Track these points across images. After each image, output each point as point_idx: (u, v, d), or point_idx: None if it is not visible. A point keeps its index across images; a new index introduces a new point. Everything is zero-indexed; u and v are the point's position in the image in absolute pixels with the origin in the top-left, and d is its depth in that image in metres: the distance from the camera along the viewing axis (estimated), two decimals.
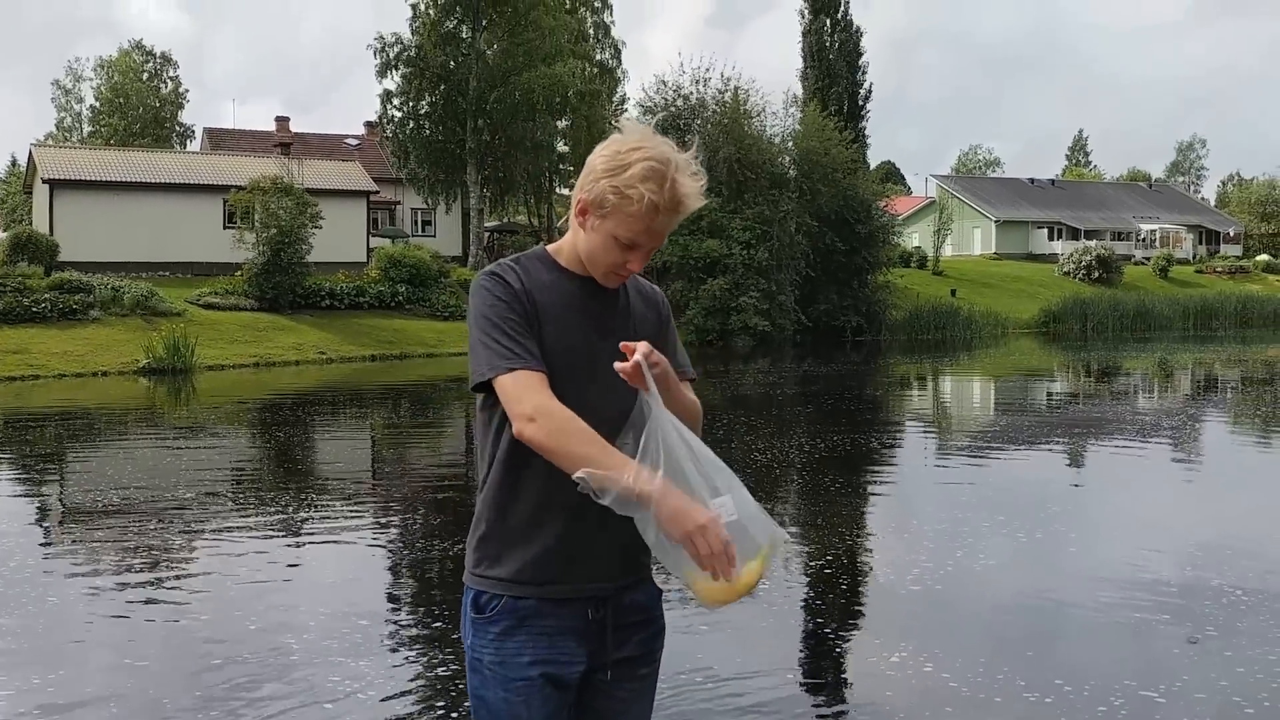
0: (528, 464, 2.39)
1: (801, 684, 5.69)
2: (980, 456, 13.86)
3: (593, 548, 2.45)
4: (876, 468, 13.10)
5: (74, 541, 9.09)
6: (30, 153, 44.61)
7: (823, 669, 6.00)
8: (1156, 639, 6.15)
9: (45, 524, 10.10)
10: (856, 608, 7.06)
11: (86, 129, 73.08)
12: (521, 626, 2.45)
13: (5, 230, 43.17)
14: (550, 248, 2.56)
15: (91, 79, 74.64)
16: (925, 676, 5.57)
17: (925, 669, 5.67)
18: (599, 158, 2.39)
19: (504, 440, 2.43)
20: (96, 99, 73.43)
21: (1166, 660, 5.81)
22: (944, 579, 7.44)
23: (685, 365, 2.64)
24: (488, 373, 2.34)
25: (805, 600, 7.15)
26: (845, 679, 5.78)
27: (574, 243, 2.50)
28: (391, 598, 7.48)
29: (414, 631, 6.52)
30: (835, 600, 7.15)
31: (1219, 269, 65.35)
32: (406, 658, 6.00)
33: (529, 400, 2.29)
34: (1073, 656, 5.80)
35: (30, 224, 41.17)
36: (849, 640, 6.38)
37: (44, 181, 40.19)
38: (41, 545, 9.07)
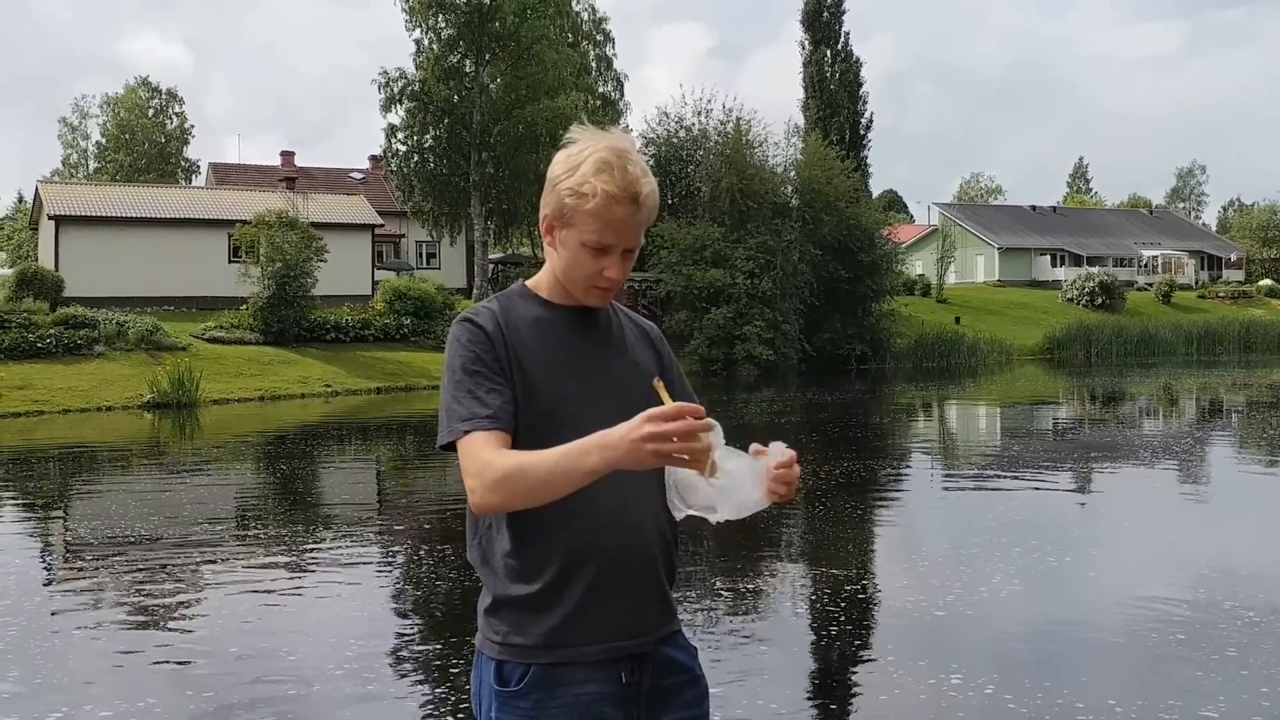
0: (538, 513, 2.15)
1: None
2: (989, 483, 13.83)
3: (624, 598, 2.26)
4: (885, 495, 13.09)
5: (78, 578, 9.07)
6: (37, 189, 44.83)
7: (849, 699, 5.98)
8: (1177, 661, 6.15)
9: (49, 560, 10.10)
10: (878, 633, 7.03)
11: (93, 165, 73.48)
12: (554, 697, 2.22)
13: (11, 266, 43.30)
14: (529, 282, 2.40)
15: (98, 116, 75.16)
16: (958, 699, 5.56)
17: (951, 694, 5.66)
18: (554, 168, 2.27)
19: None
20: (103, 135, 73.87)
21: (1192, 681, 5.79)
22: (962, 605, 7.42)
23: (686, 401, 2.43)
24: (446, 436, 2.19)
25: (847, 628, 7.13)
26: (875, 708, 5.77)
27: (552, 269, 2.34)
28: (400, 635, 7.45)
29: (422, 671, 6.50)
30: (858, 627, 7.14)
31: (1221, 294, 65.38)
32: (414, 697, 5.99)
33: (475, 468, 2.11)
34: (1094, 680, 5.78)
35: (36, 260, 41.32)
36: (874, 668, 6.37)
37: (50, 218, 40.36)
38: (45, 583, 9.06)
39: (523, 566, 2.24)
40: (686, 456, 1.96)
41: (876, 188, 67.64)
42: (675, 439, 1.93)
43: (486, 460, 2.10)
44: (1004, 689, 5.72)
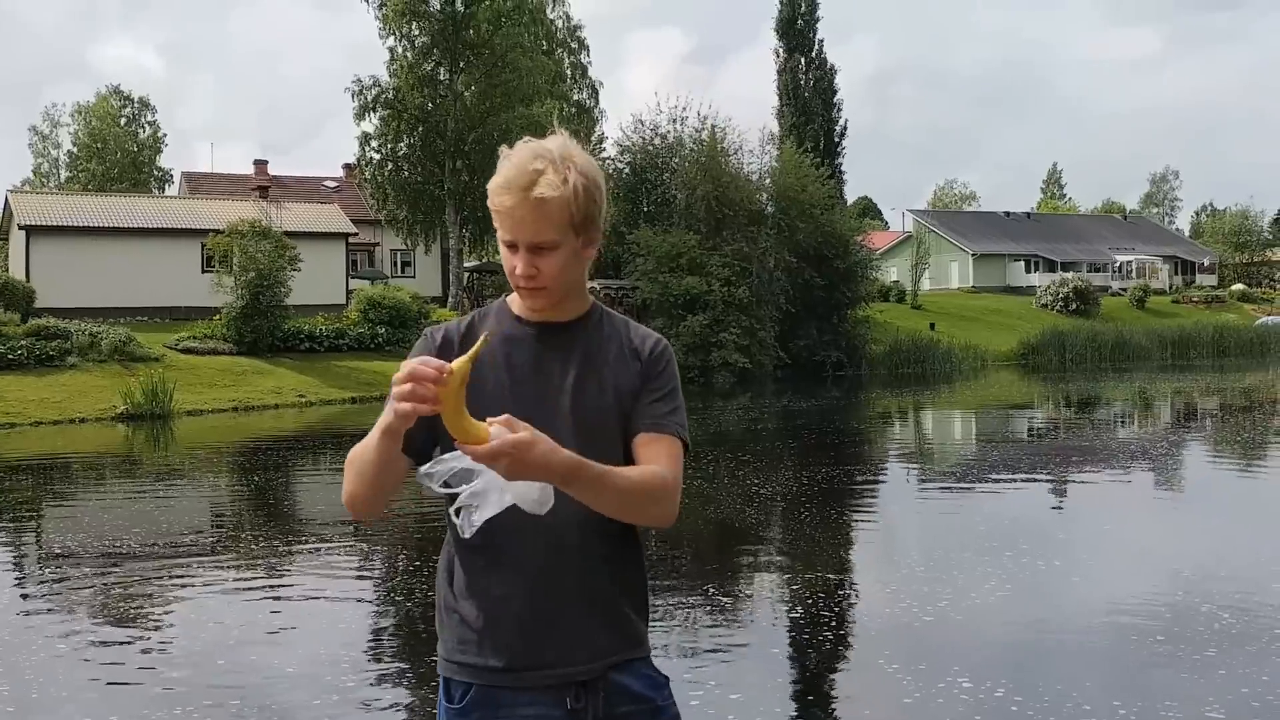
0: (483, 534, 2.09)
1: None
2: (971, 488, 13.85)
3: (564, 623, 2.23)
4: (867, 501, 13.09)
5: (51, 592, 8.96)
6: (6, 199, 44.44)
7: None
8: (1158, 663, 6.15)
9: (22, 574, 9.97)
10: (873, 639, 7.01)
11: (64, 174, 73.00)
12: (495, 718, 2.23)
13: None
14: (510, 297, 2.39)
15: (69, 124, 74.66)
16: (940, 705, 5.53)
17: (963, 696, 5.63)
18: None
19: None
20: (74, 144, 73.39)
21: (1173, 683, 5.80)
22: (954, 610, 7.40)
23: (663, 420, 2.30)
24: None
25: (840, 630, 7.10)
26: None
27: None
28: (374, 647, 7.39)
29: (399, 684, 6.44)
30: (852, 633, 7.11)
31: (1195, 299, 65.87)
32: (397, 708, 5.92)
33: None
34: (1099, 682, 5.77)
35: (7, 270, 40.98)
36: (850, 676, 6.34)
37: (20, 228, 40.05)
38: (19, 596, 8.94)
39: (467, 585, 2.27)
40: (424, 396, 1.96)
41: (851, 193, 67.95)
42: (409, 384, 1.95)
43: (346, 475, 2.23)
44: (1015, 692, 5.73)
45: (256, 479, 16.39)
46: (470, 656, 2.26)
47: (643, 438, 2.28)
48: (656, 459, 2.24)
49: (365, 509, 2.25)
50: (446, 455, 2.03)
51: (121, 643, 7.24)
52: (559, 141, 2.25)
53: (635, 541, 2.36)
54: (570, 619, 2.24)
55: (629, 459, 2.26)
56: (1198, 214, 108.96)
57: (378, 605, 8.46)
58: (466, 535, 2.06)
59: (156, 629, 7.68)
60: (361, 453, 2.18)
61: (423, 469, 2.03)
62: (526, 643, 2.23)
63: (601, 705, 2.26)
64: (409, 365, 1.99)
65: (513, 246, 2.24)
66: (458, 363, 1.99)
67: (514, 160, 2.21)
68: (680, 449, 2.30)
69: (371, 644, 7.40)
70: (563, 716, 2.24)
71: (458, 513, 2.05)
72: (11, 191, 45.55)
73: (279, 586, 8.96)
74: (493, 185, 2.22)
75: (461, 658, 2.27)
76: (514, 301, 2.37)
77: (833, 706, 5.91)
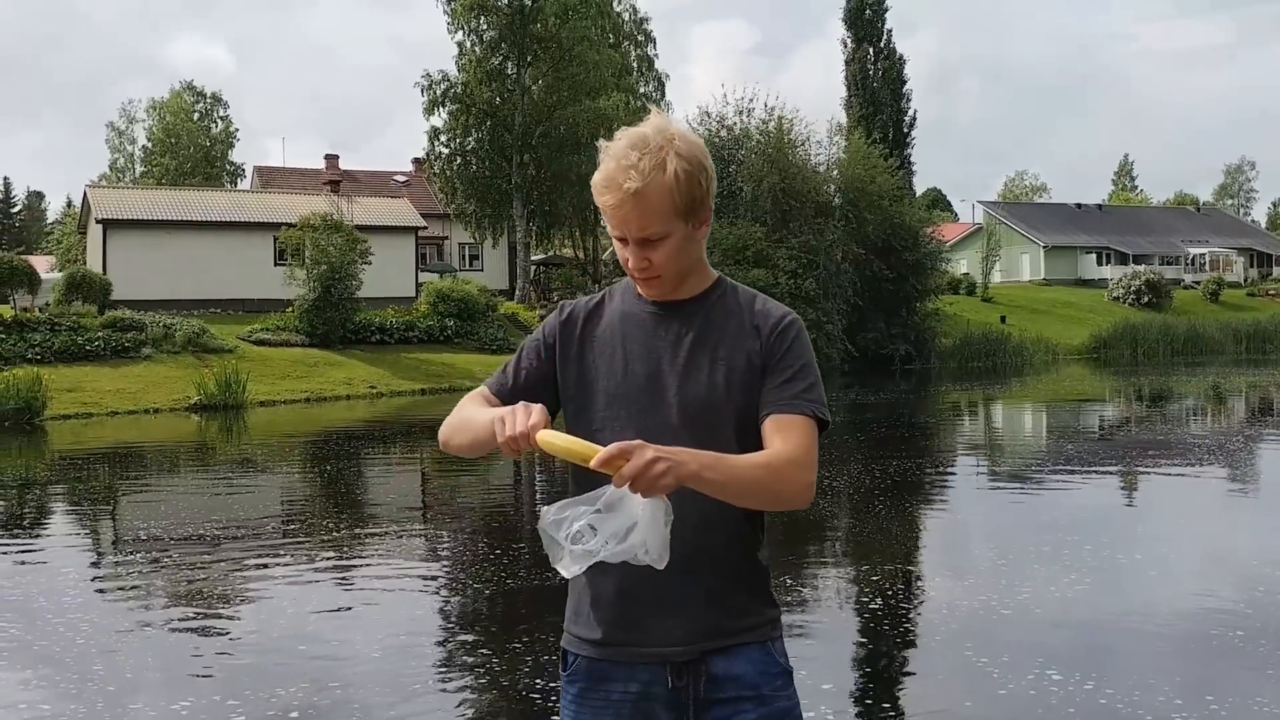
0: (564, 569, 2.10)
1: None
2: (1046, 481, 13.64)
3: (662, 599, 2.21)
4: (935, 494, 12.95)
5: (126, 578, 9.08)
6: (85, 194, 45.32)
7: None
8: (1244, 659, 6.02)
9: (96, 560, 10.13)
10: (954, 630, 6.93)
11: (139, 169, 74.16)
12: (596, 690, 2.26)
13: (61, 270, 43.81)
14: None
15: (144, 120, 75.79)
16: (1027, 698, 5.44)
17: (1051, 689, 5.54)
18: None
19: None
20: (149, 140, 74.50)
21: (1261, 680, 5.66)
22: (1034, 603, 7.29)
23: (793, 401, 2.22)
24: None
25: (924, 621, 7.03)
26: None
27: None
28: (444, 634, 7.41)
29: (468, 671, 6.44)
30: (933, 624, 7.03)
31: (1271, 292, 64.50)
32: (460, 697, 5.93)
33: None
34: (1164, 675, 5.65)
35: (84, 264, 41.76)
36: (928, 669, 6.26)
37: (98, 222, 40.79)
38: (94, 581, 9.08)
39: None
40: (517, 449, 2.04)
41: (920, 185, 67.32)
42: (508, 441, 2.04)
43: (456, 408, 2.36)
44: (1105, 685, 5.63)
45: (329, 468, 16.54)
46: (577, 628, 2.32)
47: (771, 421, 2.20)
48: (785, 441, 2.17)
49: (457, 454, 2.37)
50: (568, 503, 2.01)
51: (195, 627, 7.31)
52: (656, 125, 2.20)
53: (752, 525, 2.29)
54: (668, 599, 2.21)
55: (744, 441, 2.20)
56: (1275, 205, 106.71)
57: (450, 591, 8.48)
58: (569, 577, 2.09)
59: (234, 614, 7.76)
60: (472, 418, 2.27)
61: (546, 518, 2.01)
62: (623, 619, 2.24)
63: (702, 687, 2.22)
64: (506, 417, 2.06)
65: (623, 240, 2.23)
66: (543, 436, 2.03)
67: (612, 154, 2.18)
68: (813, 427, 2.21)
69: (444, 629, 7.42)
70: (664, 694, 2.23)
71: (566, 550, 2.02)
72: (90, 186, 46.41)
73: (352, 571, 9.02)
74: (595, 182, 2.20)
75: (572, 629, 2.33)
76: None
77: (930, 697, 5.83)
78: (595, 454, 1.95)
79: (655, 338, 2.29)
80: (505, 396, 2.31)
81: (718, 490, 2.07)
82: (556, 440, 2.01)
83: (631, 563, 1.99)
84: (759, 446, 2.19)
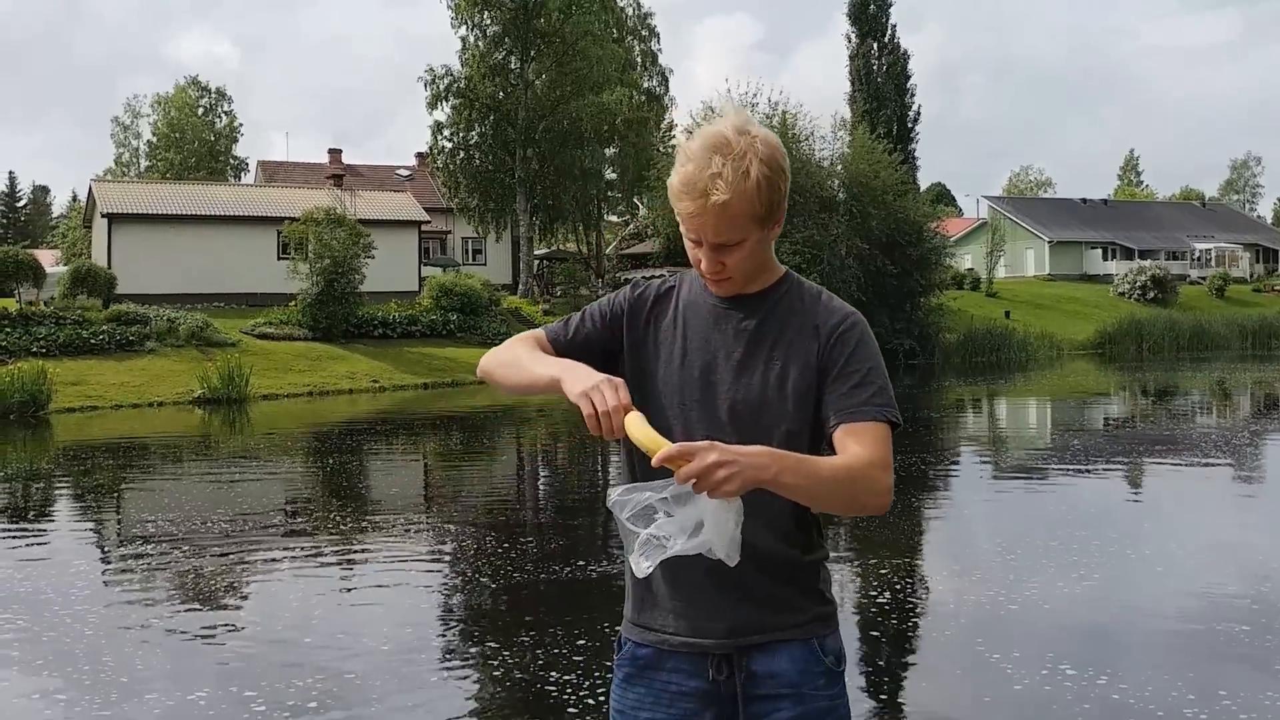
0: (636, 570, 2.04)
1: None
2: (1052, 477, 13.62)
3: (706, 591, 2.19)
4: (940, 489, 12.92)
5: (133, 570, 9.08)
6: (90, 188, 45.31)
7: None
8: (1256, 655, 5.99)
9: (103, 553, 10.13)
10: (964, 626, 6.90)
11: (144, 164, 74.19)
12: (641, 676, 2.27)
13: (66, 264, 43.82)
14: None
15: (149, 115, 75.82)
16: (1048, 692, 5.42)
17: (1065, 683, 5.51)
18: None
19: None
20: (154, 134, 74.54)
21: (1275, 676, 5.63)
22: (1033, 598, 7.26)
23: (860, 409, 2.15)
24: None
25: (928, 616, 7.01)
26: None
27: None
28: (447, 627, 7.40)
29: (473, 664, 6.42)
30: (943, 619, 7.01)
31: (1277, 287, 64.32)
32: (465, 690, 5.92)
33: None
34: (1176, 671, 5.63)
35: (89, 257, 41.75)
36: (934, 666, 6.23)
37: (103, 216, 40.77)
38: (101, 574, 9.09)
39: None
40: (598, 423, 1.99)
41: (925, 180, 67.23)
42: (599, 417, 1.98)
43: (506, 343, 2.34)
44: (1118, 680, 5.62)
45: (332, 461, 16.53)
46: (628, 613, 2.33)
47: (840, 431, 2.14)
48: (863, 445, 2.10)
49: (495, 386, 2.34)
50: (636, 486, 1.96)
51: (203, 619, 7.31)
52: (735, 124, 2.11)
53: (800, 523, 2.23)
54: (709, 593, 2.19)
55: (790, 443, 2.13)
56: None
57: (456, 586, 8.46)
58: (639, 575, 2.02)
59: (241, 606, 7.76)
60: (528, 362, 2.23)
61: (614, 496, 1.96)
62: (667, 609, 2.25)
63: (743, 682, 2.21)
64: (593, 394, 2.00)
65: (697, 243, 2.18)
66: (631, 421, 1.97)
67: (691, 156, 2.10)
68: (887, 432, 2.15)
69: (450, 623, 7.41)
70: (705, 686, 2.22)
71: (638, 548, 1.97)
72: (95, 181, 46.41)
73: (357, 564, 9.01)
74: (672, 186, 2.13)
75: (627, 615, 2.34)
76: None
77: (946, 691, 5.82)
78: (660, 449, 1.89)
79: (715, 330, 2.26)
80: (560, 348, 2.29)
81: (796, 494, 2.01)
82: (632, 427, 1.96)
83: (707, 556, 1.94)
84: (805, 448, 2.14)
